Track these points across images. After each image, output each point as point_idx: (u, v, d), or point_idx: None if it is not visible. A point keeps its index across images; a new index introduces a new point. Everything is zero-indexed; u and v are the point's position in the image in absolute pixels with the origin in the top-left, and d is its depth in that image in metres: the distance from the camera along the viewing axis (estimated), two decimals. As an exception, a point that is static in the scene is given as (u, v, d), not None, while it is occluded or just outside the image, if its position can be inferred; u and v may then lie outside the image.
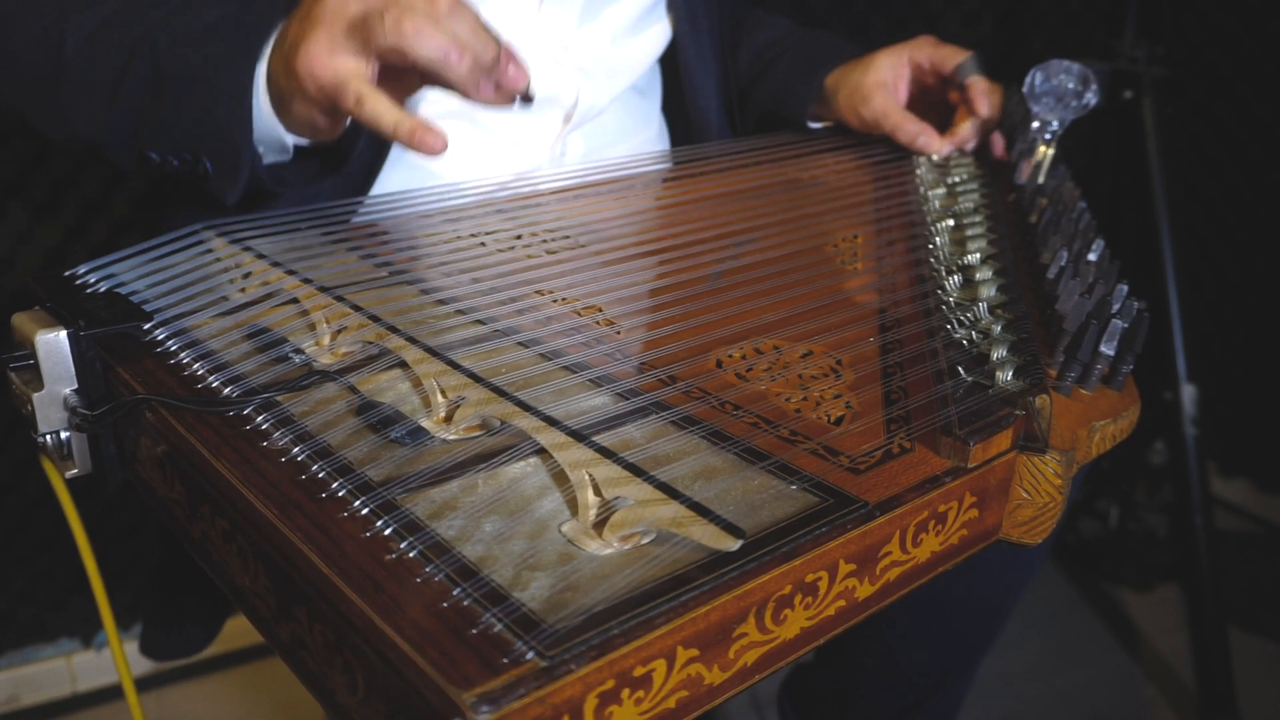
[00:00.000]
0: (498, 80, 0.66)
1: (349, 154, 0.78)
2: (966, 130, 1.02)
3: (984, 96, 0.99)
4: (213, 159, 0.69)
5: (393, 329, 0.62)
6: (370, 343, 0.62)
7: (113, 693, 1.56)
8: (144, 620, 1.02)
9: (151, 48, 0.68)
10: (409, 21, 0.61)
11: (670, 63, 1.04)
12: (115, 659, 0.71)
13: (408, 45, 0.61)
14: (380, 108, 0.63)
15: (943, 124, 1.05)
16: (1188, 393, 1.56)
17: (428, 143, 0.63)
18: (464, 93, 0.64)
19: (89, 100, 0.70)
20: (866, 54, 1.07)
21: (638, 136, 1.04)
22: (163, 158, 0.71)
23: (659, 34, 1.00)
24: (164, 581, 0.98)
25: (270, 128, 0.70)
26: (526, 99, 0.68)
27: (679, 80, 1.03)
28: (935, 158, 1.03)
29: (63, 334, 0.60)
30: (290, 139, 0.71)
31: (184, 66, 0.67)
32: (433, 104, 0.88)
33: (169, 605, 0.98)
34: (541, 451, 0.52)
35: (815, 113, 1.13)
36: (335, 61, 0.63)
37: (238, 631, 1.42)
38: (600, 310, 0.69)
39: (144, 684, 1.57)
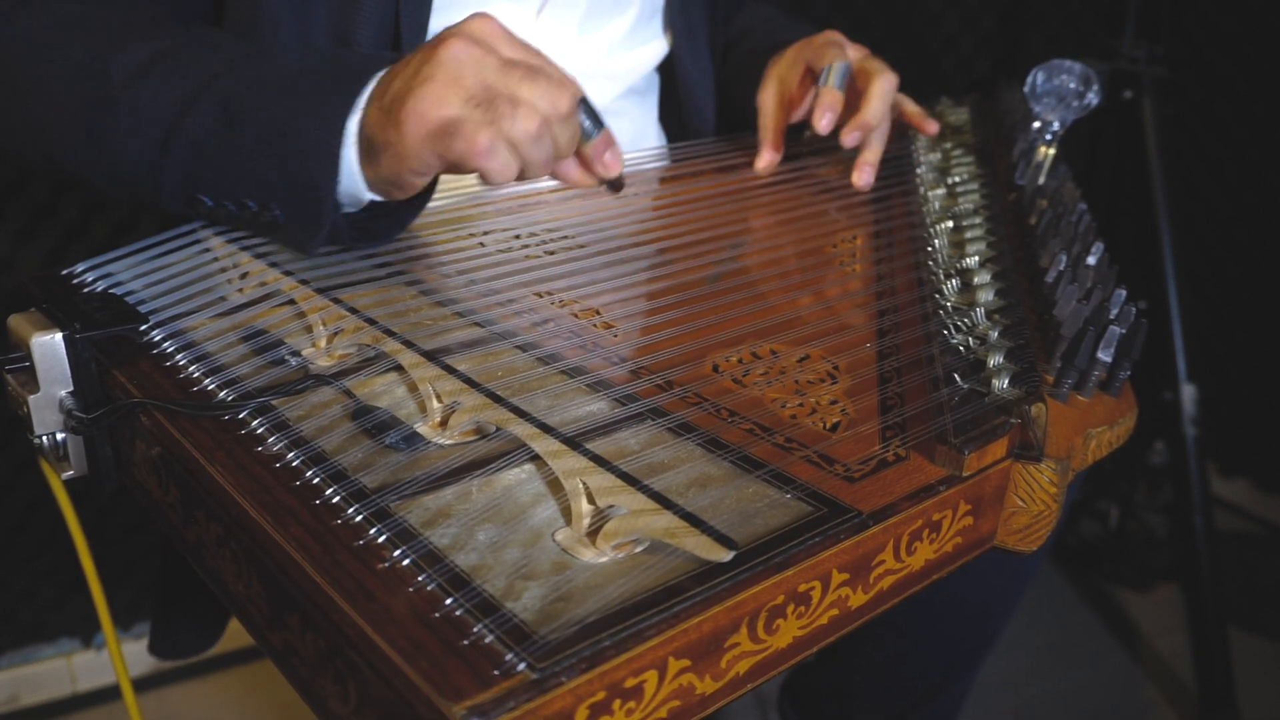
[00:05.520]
0: (591, 164, 0.69)
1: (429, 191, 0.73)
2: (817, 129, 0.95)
3: (826, 110, 0.93)
4: (287, 210, 0.66)
5: (389, 332, 0.62)
6: (367, 345, 0.62)
7: (113, 693, 1.56)
8: (152, 620, 1.02)
9: (220, 93, 0.65)
10: (524, 124, 0.60)
11: (668, 70, 1.04)
12: (113, 660, 0.71)
13: (519, 150, 0.61)
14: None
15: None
16: (1188, 393, 1.56)
17: (607, 164, 0.67)
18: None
19: (138, 137, 0.67)
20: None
21: (635, 136, 1.04)
22: (217, 203, 0.68)
23: (656, 48, 1.01)
24: (169, 581, 0.98)
25: (352, 182, 0.66)
26: (617, 186, 0.72)
27: (676, 88, 1.03)
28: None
29: (58, 336, 0.60)
30: (367, 196, 0.68)
31: (264, 116, 0.64)
32: None
33: (174, 605, 0.98)
34: (536, 458, 0.52)
35: None
36: (446, 107, 0.60)
37: (238, 632, 1.42)
38: (598, 313, 0.69)
39: (144, 684, 1.57)
